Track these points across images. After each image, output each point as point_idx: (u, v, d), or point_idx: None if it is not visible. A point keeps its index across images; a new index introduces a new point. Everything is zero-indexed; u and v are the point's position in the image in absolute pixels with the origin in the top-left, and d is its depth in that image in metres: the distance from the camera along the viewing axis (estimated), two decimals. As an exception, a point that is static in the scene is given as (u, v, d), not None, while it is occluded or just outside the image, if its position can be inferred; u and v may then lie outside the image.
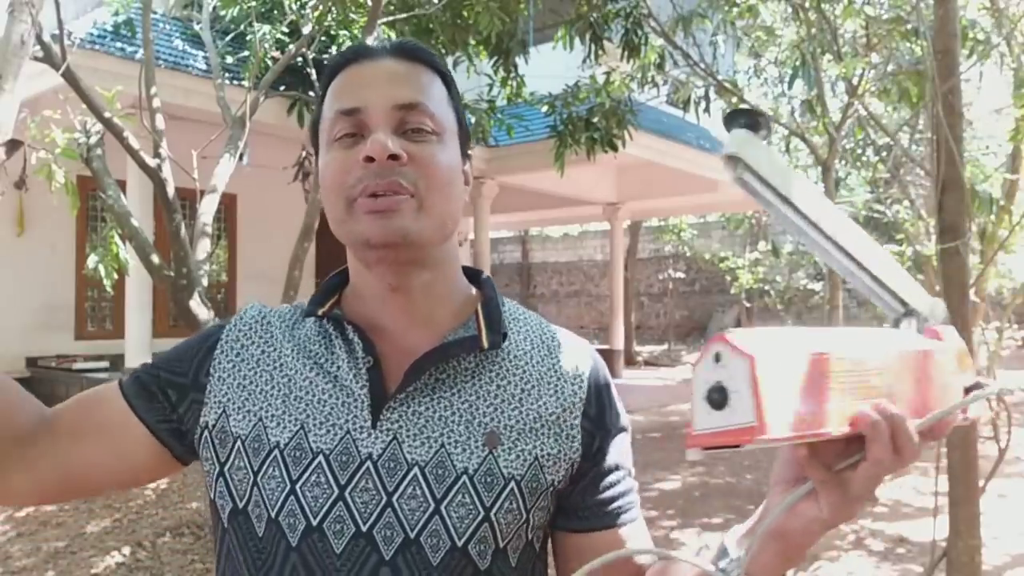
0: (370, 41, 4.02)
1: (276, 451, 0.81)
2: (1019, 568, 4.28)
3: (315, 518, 0.78)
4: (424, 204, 0.80)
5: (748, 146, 0.67)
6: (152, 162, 3.87)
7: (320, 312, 0.86)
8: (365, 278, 0.86)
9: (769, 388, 0.58)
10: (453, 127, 0.85)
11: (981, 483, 2.75)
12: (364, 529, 0.78)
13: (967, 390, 0.69)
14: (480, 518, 0.78)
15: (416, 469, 0.78)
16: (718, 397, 0.60)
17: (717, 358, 0.61)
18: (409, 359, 0.82)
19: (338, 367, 0.83)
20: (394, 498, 0.78)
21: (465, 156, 0.88)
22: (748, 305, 15.87)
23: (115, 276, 3.98)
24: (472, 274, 0.93)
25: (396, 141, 0.79)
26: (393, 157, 0.78)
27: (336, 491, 0.78)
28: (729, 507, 5.44)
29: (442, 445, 0.80)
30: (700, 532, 4.91)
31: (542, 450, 0.82)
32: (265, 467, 0.81)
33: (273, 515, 0.79)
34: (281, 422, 0.82)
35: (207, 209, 4.09)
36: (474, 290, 0.92)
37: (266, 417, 0.83)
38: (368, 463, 0.79)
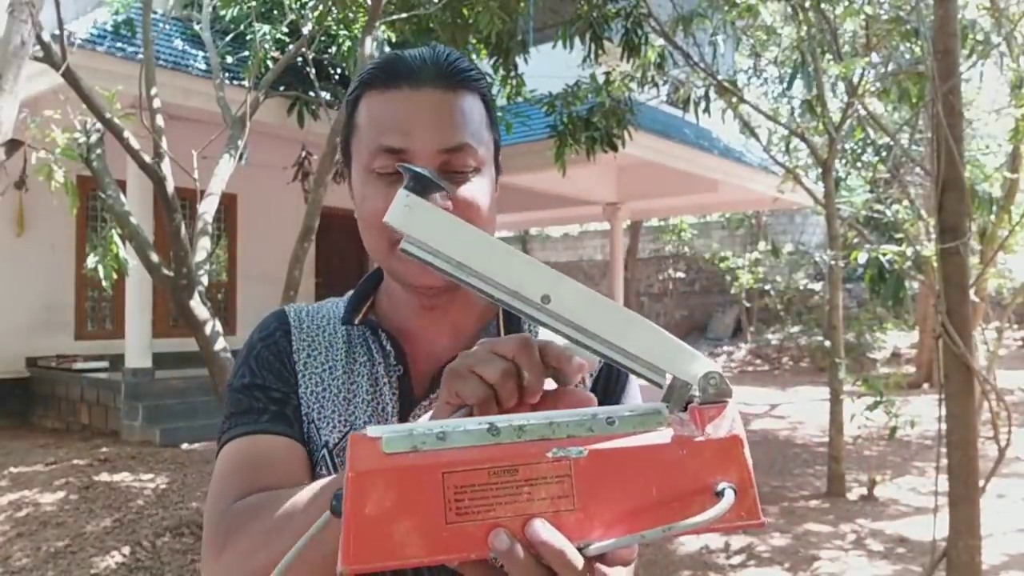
0: (369, 42, 4.01)
1: (325, 451, 0.84)
2: (1017, 568, 4.28)
3: None
4: None
5: (410, 215, 0.58)
6: (152, 162, 3.87)
7: (356, 320, 0.90)
8: (399, 290, 0.88)
9: (364, 513, 0.51)
10: (491, 148, 0.86)
11: (981, 483, 2.75)
12: None
13: (716, 494, 0.55)
14: None
15: None
16: (338, 507, 0.53)
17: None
18: (435, 364, 0.86)
19: (377, 370, 0.87)
20: None
21: (497, 166, 0.89)
22: (748, 305, 15.86)
23: (115, 276, 3.97)
24: None
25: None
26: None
27: None
28: (729, 507, 5.43)
29: None
30: (699, 533, 4.91)
31: None
32: (316, 468, 0.83)
33: None
34: (331, 422, 0.85)
35: (207, 209, 4.09)
36: None
37: (318, 419, 0.85)
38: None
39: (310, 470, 0.83)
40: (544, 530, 0.53)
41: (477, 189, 0.82)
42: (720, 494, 0.55)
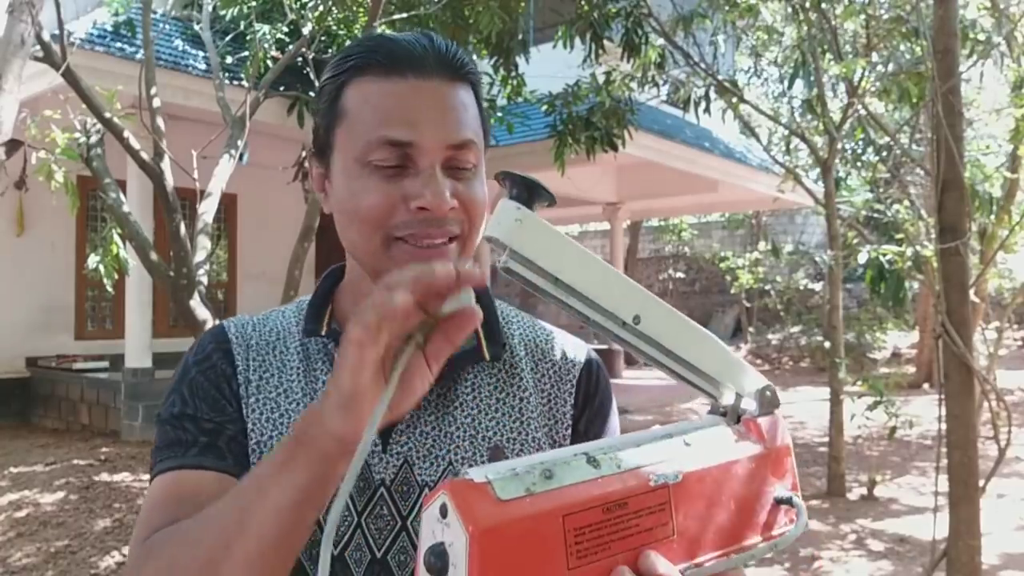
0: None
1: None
2: (1017, 567, 4.28)
3: (336, 548, 0.76)
4: (466, 246, 0.78)
5: (520, 229, 0.53)
6: (152, 161, 3.87)
7: (323, 332, 0.83)
8: (368, 293, 0.82)
9: (490, 571, 0.47)
10: (482, 144, 0.81)
11: (981, 483, 2.75)
12: (379, 556, 0.77)
13: (778, 501, 0.57)
14: None
15: (428, 491, 0.78)
16: (437, 564, 0.48)
17: (443, 512, 0.48)
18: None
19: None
20: (408, 521, 0.78)
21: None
22: (748, 305, 15.86)
23: (115, 276, 3.97)
24: None
25: (449, 187, 0.74)
26: (450, 208, 0.74)
27: (355, 519, 0.77)
28: (729, 507, 5.44)
29: (450, 463, 0.79)
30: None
31: None
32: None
33: (335, 551, 0.77)
34: None
35: (207, 209, 4.09)
36: None
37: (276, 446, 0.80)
38: (382, 488, 0.78)
39: None
40: (660, 563, 0.52)
41: (478, 188, 0.78)
42: (783, 501, 0.57)
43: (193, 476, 0.75)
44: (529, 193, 0.53)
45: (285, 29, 5.98)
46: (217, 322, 3.97)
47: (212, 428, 0.78)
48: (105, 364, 7.81)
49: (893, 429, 5.50)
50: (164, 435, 0.79)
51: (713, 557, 0.55)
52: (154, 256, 3.87)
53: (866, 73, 5.96)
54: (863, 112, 6.07)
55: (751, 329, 15.67)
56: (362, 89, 0.76)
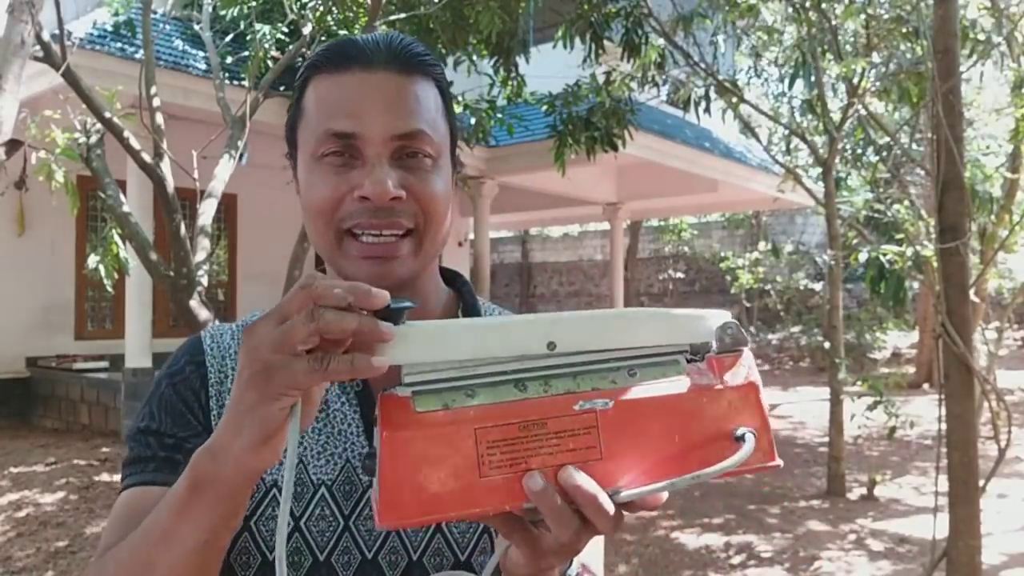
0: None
1: (274, 490, 0.77)
2: (1017, 567, 4.28)
3: (323, 553, 0.76)
4: (423, 242, 0.76)
5: (398, 345, 0.55)
6: (152, 162, 3.87)
7: None
8: None
9: (399, 471, 0.53)
10: (447, 139, 0.80)
11: (981, 483, 2.75)
12: (370, 557, 0.77)
13: (736, 439, 0.57)
14: (481, 529, 0.79)
15: None
16: (370, 466, 0.55)
17: (375, 422, 0.55)
18: (395, 374, 0.80)
19: (327, 392, 0.80)
20: None
21: (455, 164, 0.83)
22: (748, 305, 15.85)
23: (115, 276, 3.98)
24: (448, 275, 0.90)
25: (395, 177, 0.73)
26: (394, 198, 0.73)
27: (342, 522, 0.77)
28: (730, 507, 5.44)
29: None
30: (700, 533, 4.91)
31: None
32: (262, 508, 0.77)
33: (271, 557, 0.75)
34: None
35: (207, 210, 4.09)
36: (450, 292, 0.89)
37: None
38: (370, 490, 0.78)
39: None
40: (577, 476, 0.54)
41: (435, 180, 0.76)
42: (740, 439, 0.56)
43: (151, 492, 0.74)
44: (389, 314, 0.55)
45: (285, 29, 5.98)
46: (216, 322, 3.99)
47: (172, 443, 0.78)
48: (105, 364, 7.81)
49: (893, 429, 5.51)
50: (130, 450, 0.80)
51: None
52: (154, 256, 3.87)
53: (866, 73, 5.96)
54: (863, 112, 6.07)
55: (751, 329, 15.66)
56: (316, 87, 0.78)
